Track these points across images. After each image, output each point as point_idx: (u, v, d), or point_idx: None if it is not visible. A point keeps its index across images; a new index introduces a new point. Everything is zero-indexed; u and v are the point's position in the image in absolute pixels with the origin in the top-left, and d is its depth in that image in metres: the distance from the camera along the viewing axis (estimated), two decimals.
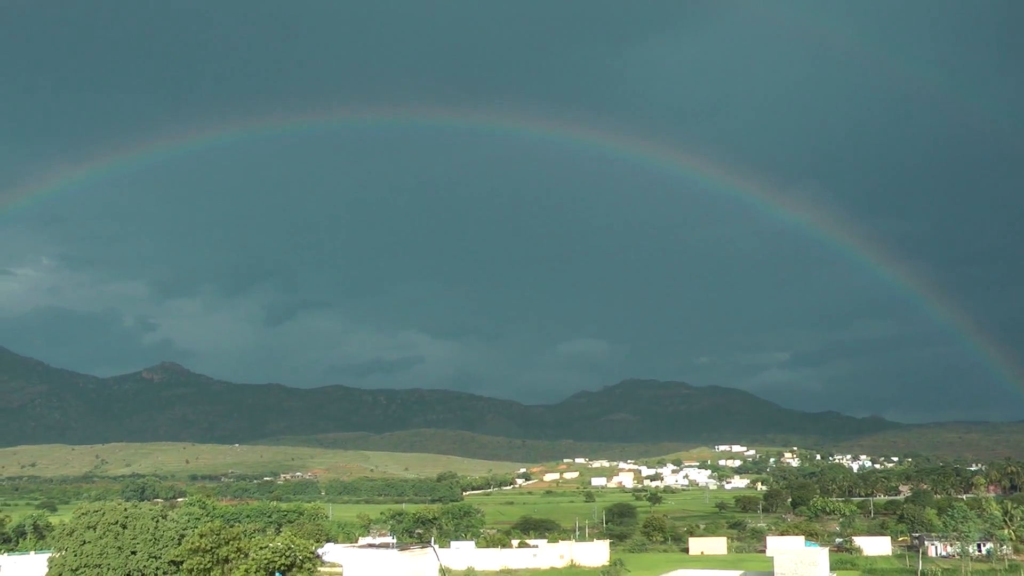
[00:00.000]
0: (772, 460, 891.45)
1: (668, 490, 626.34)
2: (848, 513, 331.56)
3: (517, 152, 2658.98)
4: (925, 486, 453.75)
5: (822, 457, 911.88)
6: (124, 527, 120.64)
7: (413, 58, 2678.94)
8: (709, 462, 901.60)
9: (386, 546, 57.96)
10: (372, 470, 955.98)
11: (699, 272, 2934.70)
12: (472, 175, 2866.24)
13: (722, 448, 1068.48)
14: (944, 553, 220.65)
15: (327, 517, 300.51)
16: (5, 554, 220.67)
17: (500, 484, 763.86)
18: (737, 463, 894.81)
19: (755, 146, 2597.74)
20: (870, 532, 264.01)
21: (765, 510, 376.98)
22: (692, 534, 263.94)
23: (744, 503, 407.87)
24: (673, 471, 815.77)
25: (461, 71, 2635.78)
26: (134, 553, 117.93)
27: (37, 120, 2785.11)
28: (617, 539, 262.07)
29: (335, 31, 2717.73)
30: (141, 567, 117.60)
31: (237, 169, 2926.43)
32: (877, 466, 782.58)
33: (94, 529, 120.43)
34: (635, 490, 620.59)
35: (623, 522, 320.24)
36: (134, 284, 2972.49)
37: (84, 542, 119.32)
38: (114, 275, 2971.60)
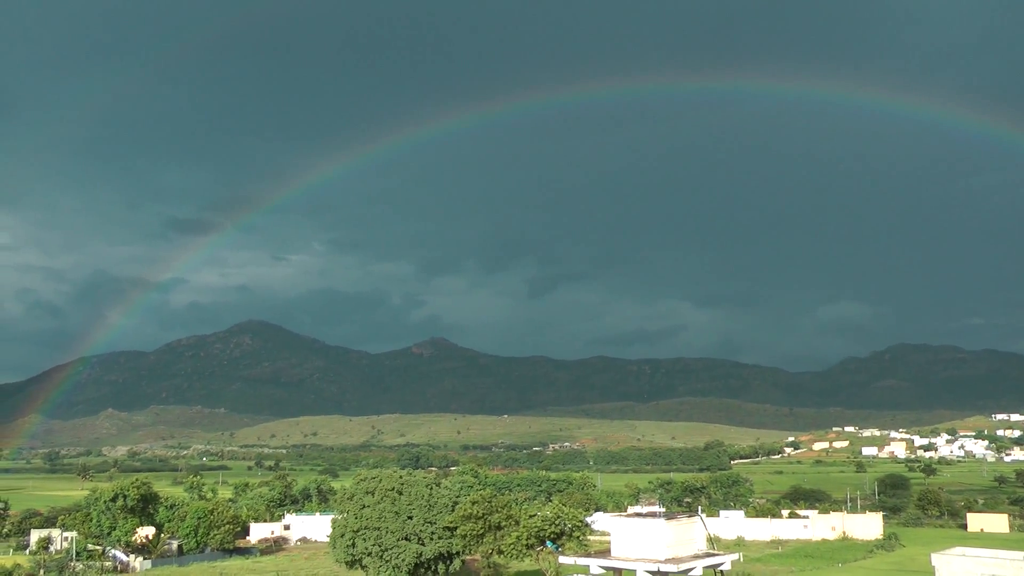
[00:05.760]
0: None
1: (942, 461, 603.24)
2: None
3: (767, 111, 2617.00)
4: None
5: None
6: (400, 493, 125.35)
7: (658, 26, 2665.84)
8: (986, 432, 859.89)
9: (653, 515, 58.68)
10: (639, 439, 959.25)
11: (968, 226, 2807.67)
12: (724, 138, 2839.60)
13: (1000, 417, 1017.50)
14: None
15: (595, 486, 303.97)
16: (294, 514, 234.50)
17: (768, 453, 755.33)
18: (1017, 433, 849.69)
19: (1021, 86, 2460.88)
20: None
21: None
22: (970, 509, 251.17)
23: None
24: (947, 441, 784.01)
25: (708, 34, 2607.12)
26: (410, 518, 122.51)
27: (300, 117, 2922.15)
28: (890, 512, 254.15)
29: (578, 4, 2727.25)
30: (417, 531, 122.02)
31: (493, 147, 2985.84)
32: None
33: (372, 494, 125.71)
34: (907, 460, 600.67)
35: (896, 494, 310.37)
36: (400, 264, 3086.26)
37: (364, 506, 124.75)
38: (380, 256, 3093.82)
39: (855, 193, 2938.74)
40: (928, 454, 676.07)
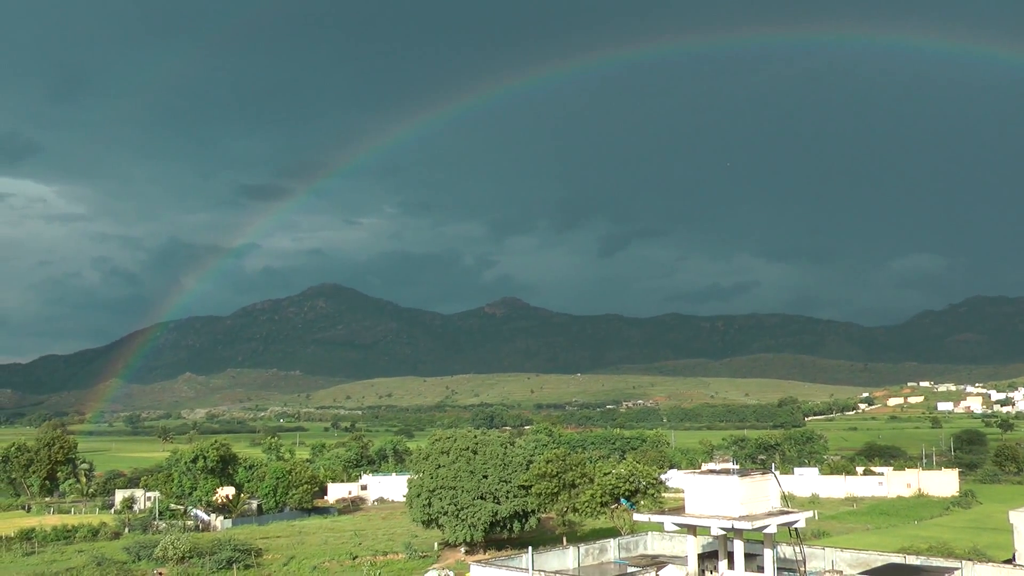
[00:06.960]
0: None
1: (1020, 416, 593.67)
2: None
3: (839, 63, 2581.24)
4: None
5: None
6: (475, 453, 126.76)
7: None
8: None
9: (727, 472, 58.73)
10: (712, 396, 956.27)
11: None
12: (795, 92, 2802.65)
13: None
14: None
15: (669, 444, 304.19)
16: (370, 474, 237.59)
17: (842, 409, 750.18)
18: None
19: None
20: None
21: None
22: None
23: None
24: None
25: None
26: (485, 477, 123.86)
27: (369, 81, 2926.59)
28: (966, 468, 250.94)
29: None
30: (492, 490, 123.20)
31: (564, 106, 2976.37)
32: None
33: (447, 454, 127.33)
34: (984, 415, 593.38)
35: (972, 450, 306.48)
36: (471, 224, 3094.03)
37: (439, 466, 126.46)
38: (452, 217, 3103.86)
39: (929, 143, 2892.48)
40: (1005, 409, 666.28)
